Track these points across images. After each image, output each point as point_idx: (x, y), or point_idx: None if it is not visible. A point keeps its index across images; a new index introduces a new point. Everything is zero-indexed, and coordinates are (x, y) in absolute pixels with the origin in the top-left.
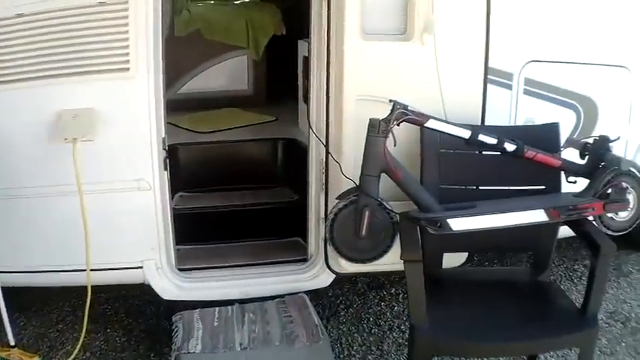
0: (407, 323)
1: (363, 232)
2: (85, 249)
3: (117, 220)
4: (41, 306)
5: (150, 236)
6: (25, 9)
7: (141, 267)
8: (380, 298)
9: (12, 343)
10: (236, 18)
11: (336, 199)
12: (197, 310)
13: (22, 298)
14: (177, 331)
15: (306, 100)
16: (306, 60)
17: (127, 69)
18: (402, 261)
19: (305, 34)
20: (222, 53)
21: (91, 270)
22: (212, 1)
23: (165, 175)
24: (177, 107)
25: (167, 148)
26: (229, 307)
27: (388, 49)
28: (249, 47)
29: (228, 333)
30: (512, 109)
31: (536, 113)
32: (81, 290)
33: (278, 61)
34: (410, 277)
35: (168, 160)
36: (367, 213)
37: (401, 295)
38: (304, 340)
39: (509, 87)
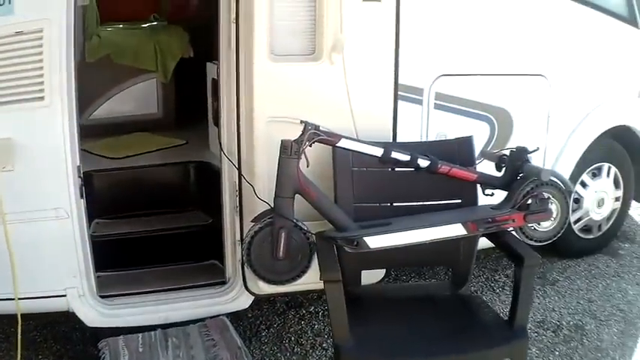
0: (329, 341)
1: (281, 253)
2: (12, 278)
3: (39, 249)
4: None
5: (71, 264)
6: None
7: (64, 295)
8: (300, 317)
9: None
10: (144, 42)
11: (252, 221)
12: (121, 336)
13: None
14: (104, 358)
15: (217, 122)
16: (215, 82)
17: (42, 98)
18: (322, 281)
19: (213, 56)
20: (132, 77)
21: (19, 299)
22: (121, 26)
23: (82, 202)
24: (89, 133)
25: (82, 175)
26: (152, 333)
27: (298, 70)
28: (158, 71)
29: (153, 359)
30: (424, 125)
31: (448, 127)
32: (12, 317)
33: (187, 84)
34: (331, 297)
35: (84, 188)
36: (283, 235)
37: (320, 313)
38: None
39: (420, 102)
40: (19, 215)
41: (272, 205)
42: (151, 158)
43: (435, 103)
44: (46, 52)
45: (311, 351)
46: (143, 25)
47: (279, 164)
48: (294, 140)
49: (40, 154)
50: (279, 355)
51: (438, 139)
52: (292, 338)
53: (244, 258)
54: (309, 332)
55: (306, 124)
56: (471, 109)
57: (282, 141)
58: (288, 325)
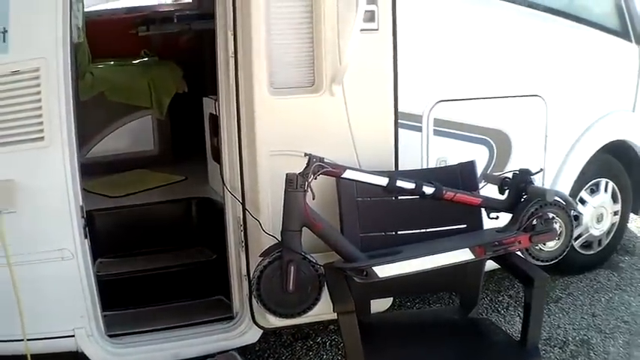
0: None
1: (291, 287)
2: (20, 319)
3: (45, 290)
4: None
5: (77, 304)
6: None
7: (73, 335)
8: (307, 348)
9: None
10: (138, 78)
11: (260, 256)
12: None
13: None
14: None
15: (216, 158)
16: (214, 117)
17: (42, 138)
18: (333, 312)
19: (208, 91)
20: (127, 114)
21: (28, 340)
22: (112, 62)
23: (86, 242)
24: (86, 172)
25: (85, 215)
26: None
27: (298, 102)
28: (153, 107)
29: None
30: (424, 151)
31: (447, 153)
32: (22, 358)
33: (182, 119)
34: (345, 328)
35: (87, 228)
36: (292, 268)
37: (328, 344)
38: None
39: (419, 129)
40: (24, 257)
41: (279, 239)
42: (152, 195)
43: (434, 130)
44: (43, 91)
45: None
46: (135, 62)
47: (285, 198)
48: (300, 173)
49: (42, 194)
50: None
51: (437, 164)
52: None
53: (254, 293)
54: None
55: (310, 156)
56: (470, 133)
57: (287, 174)
58: (296, 357)
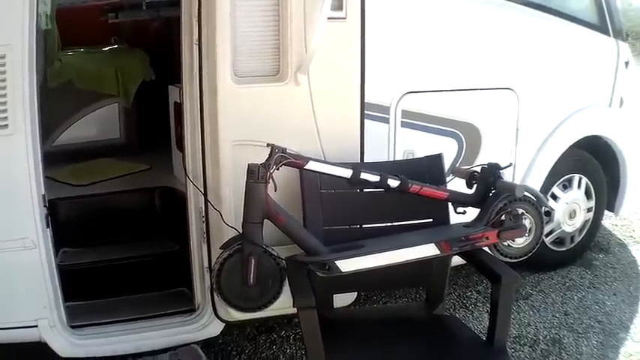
0: None
1: (251, 280)
2: None
3: (7, 280)
4: None
5: (40, 295)
6: None
7: (36, 326)
8: (271, 342)
9: None
10: (106, 66)
11: (220, 248)
12: None
13: None
14: None
15: (180, 147)
16: (178, 106)
17: (6, 126)
18: (293, 307)
19: (175, 79)
20: (94, 102)
21: None
22: (82, 50)
23: (49, 232)
24: (52, 160)
25: (48, 204)
26: None
27: (262, 92)
28: (120, 95)
29: None
30: (391, 143)
31: (415, 145)
32: None
33: (149, 107)
34: (305, 323)
35: (49, 217)
36: (253, 261)
37: (292, 337)
38: None
39: (387, 120)
40: None
41: (240, 231)
42: (116, 184)
43: (401, 121)
44: (9, 78)
45: None
46: (104, 49)
47: (246, 189)
48: (262, 164)
49: (3, 182)
50: None
51: (405, 157)
52: None
53: (214, 286)
54: (281, 357)
55: (272, 147)
56: (438, 125)
57: (248, 165)
58: (260, 351)
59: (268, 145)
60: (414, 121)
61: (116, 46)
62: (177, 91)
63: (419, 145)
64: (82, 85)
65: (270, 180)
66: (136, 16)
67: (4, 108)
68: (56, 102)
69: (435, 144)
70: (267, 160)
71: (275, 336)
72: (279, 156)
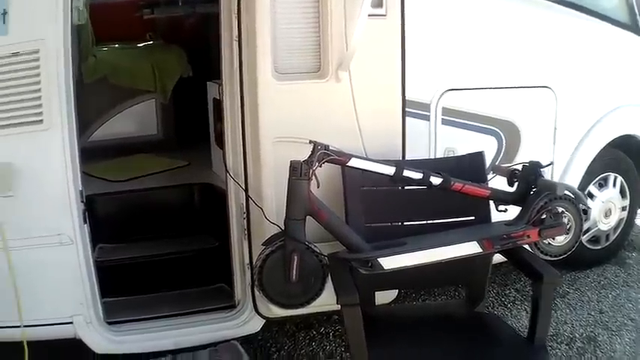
0: None
1: (293, 277)
2: (17, 305)
3: (44, 276)
4: None
5: (76, 291)
6: None
7: (71, 322)
8: (310, 339)
9: None
10: (141, 62)
11: (262, 245)
12: None
13: None
14: None
15: (220, 143)
16: (217, 102)
17: (41, 121)
18: (337, 304)
19: (212, 75)
20: (131, 98)
21: (25, 326)
22: (116, 45)
23: (86, 228)
24: (88, 155)
25: (85, 200)
26: (162, 359)
27: (303, 88)
28: (157, 91)
29: None
30: (432, 140)
31: (455, 143)
32: (18, 345)
33: (186, 103)
34: (349, 320)
35: (87, 213)
36: (296, 258)
37: (331, 334)
38: None
39: (427, 118)
40: (22, 242)
41: (282, 228)
42: (154, 180)
43: (442, 119)
44: (43, 73)
45: None
46: (139, 45)
47: (289, 186)
48: (304, 161)
49: (40, 178)
50: None
51: (445, 154)
52: None
53: (256, 282)
54: (320, 354)
55: (315, 144)
56: (479, 123)
57: (291, 162)
58: (299, 347)
59: (311, 142)
60: (454, 118)
61: (151, 42)
62: (216, 88)
63: (459, 142)
64: (117, 81)
65: (313, 177)
66: (171, 12)
67: (39, 103)
68: (92, 98)
69: (475, 141)
70: (309, 157)
71: (314, 333)
72: (321, 153)
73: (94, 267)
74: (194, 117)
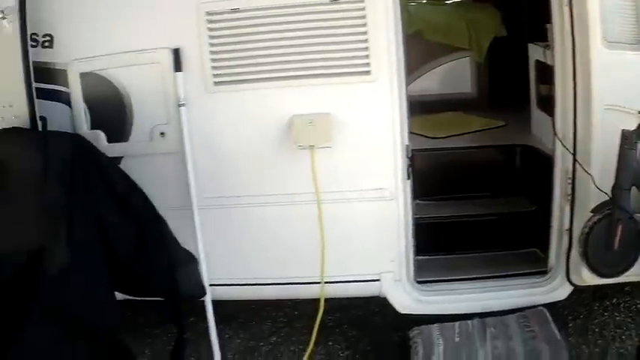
0: (627, 333)
1: (616, 246)
2: (321, 260)
3: (354, 232)
4: (248, 317)
5: (390, 248)
6: (245, 4)
7: (378, 279)
8: (603, 309)
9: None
10: (456, 19)
11: (591, 212)
12: (436, 324)
13: (221, 309)
14: (416, 347)
15: (543, 106)
16: (541, 65)
17: (368, 72)
18: None
19: (529, 37)
20: (444, 55)
21: (325, 282)
22: (425, 1)
23: (408, 184)
24: None
25: (410, 155)
26: (469, 322)
27: (634, 59)
28: (472, 49)
29: (470, 349)
30: None
31: None
32: (294, 301)
33: (501, 63)
34: None
35: (410, 168)
36: (620, 227)
37: (622, 305)
38: (547, 357)
39: None
40: (336, 195)
41: (610, 196)
42: (471, 139)
43: None
44: (370, 23)
45: (612, 343)
46: (448, 2)
47: (619, 154)
48: (634, 131)
49: (364, 131)
50: (583, 346)
51: None
52: (596, 330)
53: (579, 249)
54: (611, 324)
55: None
56: None
57: (622, 131)
58: (592, 317)
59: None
60: None
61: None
62: (539, 50)
63: None
64: (431, 37)
65: None
66: None
67: (366, 54)
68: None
69: None
70: (638, 127)
71: (607, 303)
72: None
73: (412, 224)
74: (509, 77)
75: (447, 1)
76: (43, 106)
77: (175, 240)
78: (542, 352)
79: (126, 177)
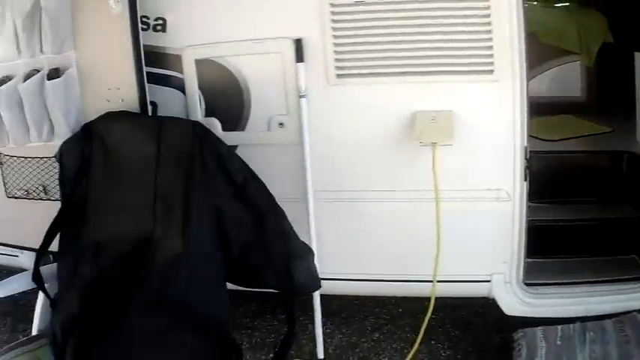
0: None
1: None
2: (435, 259)
3: (469, 231)
4: (351, 313)
5: (503, 249)
6: None
7: (488, 280)
8: None
9: (320, 356)
10: (567, 22)
11: None
12: (540, 327)
13: (324, 304)
14: (519, 350)
15: None
16: None
17: (491, 71)
18: None
19: (637, 45)
20: (555, 58)
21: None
22: (534, 3)
23: (525, 185)
24: None
25: (528, 157)
26: (571, 326)
27: None
28: (582, 53)
29: (570, 353)
30: None
31: None
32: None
33: (608, 69)
34: None
35: (527, 170)
36: None
37: None
38: None
39: None
40: (452, 193)
41: None
42: (578, 144)
43: None
44: (495, 23)
45: None
46: (558, 5)
47: None
48: None
49: (485, 130)
50: None
51: None
52: None
53: None
54: None
55: None
56: None
57: None
58: None
59: None
60: None
61: (568, 4)
62: None
63: None
64: (545, 40)
65: None
66: None
67: (490, 53)
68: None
69: None
70: None
71: None
72: None
73: (525, 226)
74: (616, 84)
75: (556, 4)
76: (152, 91)
77: (293, 231)
78: (635, 356)
79: (245, 166)
